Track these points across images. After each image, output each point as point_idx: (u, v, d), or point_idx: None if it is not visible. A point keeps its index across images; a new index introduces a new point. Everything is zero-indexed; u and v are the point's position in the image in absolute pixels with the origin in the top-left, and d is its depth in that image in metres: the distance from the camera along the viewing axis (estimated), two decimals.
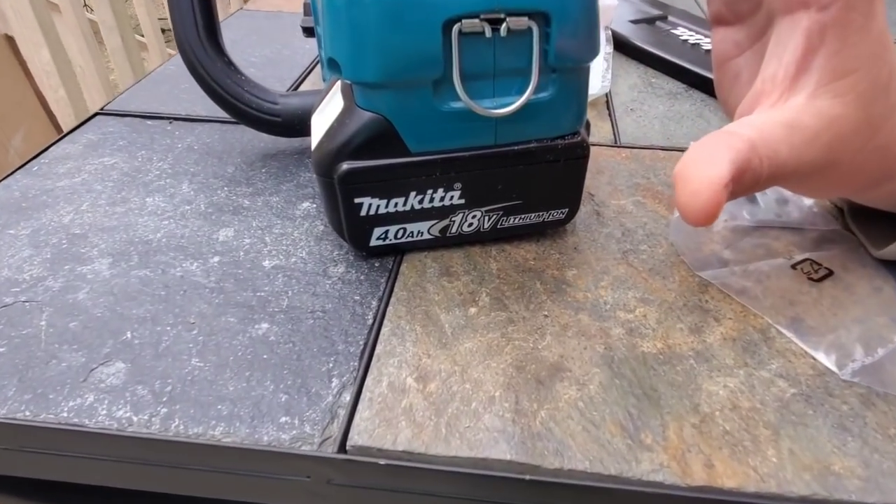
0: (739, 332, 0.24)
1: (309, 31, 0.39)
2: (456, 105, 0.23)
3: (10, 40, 1.08)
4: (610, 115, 0.41)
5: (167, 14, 0.31)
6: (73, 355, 0.23)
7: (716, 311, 0.25)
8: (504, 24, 0.22)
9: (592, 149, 0.27)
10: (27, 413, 0.21)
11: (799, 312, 0.24)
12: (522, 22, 0.22)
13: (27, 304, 0.25)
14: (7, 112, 1.06)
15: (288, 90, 0.41)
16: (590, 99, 0.33)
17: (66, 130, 0.37)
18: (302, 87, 0.44)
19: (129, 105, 0.41)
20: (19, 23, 1.06)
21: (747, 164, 0.19)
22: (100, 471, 0.22)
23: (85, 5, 1.14)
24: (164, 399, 0.21)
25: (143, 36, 1.38)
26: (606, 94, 0.43)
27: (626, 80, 0.46)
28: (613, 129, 0.39)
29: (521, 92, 0.23)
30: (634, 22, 0.51)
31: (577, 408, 0.21)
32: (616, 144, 0.37)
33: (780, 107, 0.21)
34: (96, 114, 0.39)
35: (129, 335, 0.24)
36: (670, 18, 0.52)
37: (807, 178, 0.21)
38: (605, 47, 0.45)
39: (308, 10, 0.41)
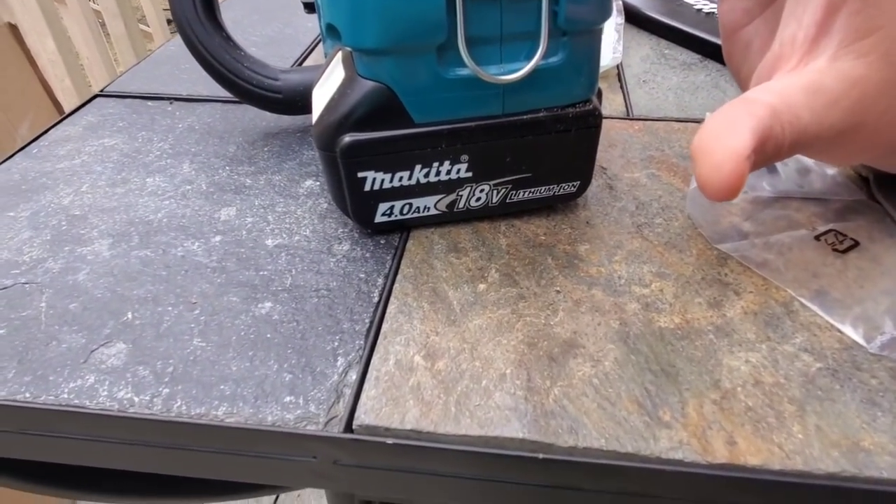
0: (761, 305, 0.23)
1: (310, 7, 0.38)
2: (461, 72, 0.22)
3: (14, 28, 1.08)
4: (622, 87, 0.39)
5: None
6: (74, 336, 0.22)
7: (736, 285, 0.24)
8: None
9: (604, 122, 0.25)
10: (27, 395, 0.20)
11: (823, 285, 0.23)
12: None
13: (27, 285, 0.24)
14: (13, 100, 1.06)
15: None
16: (600, 71, 0.32)
17: None
18: (304, 65, 0.43)
19: (130, 86, 0.40)
20: (23, 12, 1.05)
21: (769, 131, 0.18)
22: (102, 452, 0.21)
23: None
24: (166, 379, 0.21)
25: (148, 26, 1.37)
26: (617, 66, 0.42)
27: (637, 52, 0.44)
28: (625, 102, 0.37)
29: (529, 57, 0.22)
30: None
31: (591, 385, 0.20)
32: (628, 117, 0.36)
33: (801, 71, 0.20)
34: (96, 95, 0.39)
35: (129, 316, 0.23)
36: None
37: (830, 143, 0.20)
38: (616, 18, 0.44)
39: None
